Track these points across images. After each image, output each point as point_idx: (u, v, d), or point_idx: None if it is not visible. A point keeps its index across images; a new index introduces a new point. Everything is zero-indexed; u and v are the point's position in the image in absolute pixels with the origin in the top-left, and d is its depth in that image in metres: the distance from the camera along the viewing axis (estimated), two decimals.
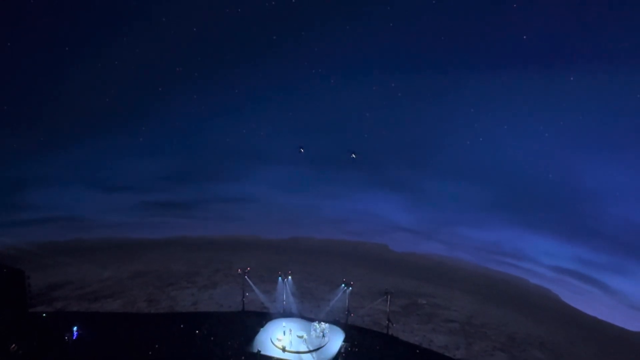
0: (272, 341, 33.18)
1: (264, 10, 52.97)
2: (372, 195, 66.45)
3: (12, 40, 50.41)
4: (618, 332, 57.62)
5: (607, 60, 52.91)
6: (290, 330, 34.43)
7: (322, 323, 35.34)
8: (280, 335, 33.92)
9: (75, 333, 32.03)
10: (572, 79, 56.14)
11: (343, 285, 39.69)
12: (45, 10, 52.34)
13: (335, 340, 34.39)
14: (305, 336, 33.98)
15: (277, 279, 41.78)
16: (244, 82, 59.85)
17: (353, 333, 36.03)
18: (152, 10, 53.96)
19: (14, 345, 27.65)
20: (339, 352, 32.91)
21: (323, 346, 33.84)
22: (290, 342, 33.30)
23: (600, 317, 60.86)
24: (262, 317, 37.40)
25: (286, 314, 38.88)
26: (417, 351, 37.67)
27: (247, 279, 40.44)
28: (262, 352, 31.42)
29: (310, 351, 32.75)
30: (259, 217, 65.26)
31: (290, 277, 41.60)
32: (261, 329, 35.53)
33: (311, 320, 36.88)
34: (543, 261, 67.70)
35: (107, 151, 62.53)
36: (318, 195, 65.02)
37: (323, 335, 34.47)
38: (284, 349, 32.31)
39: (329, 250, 65.59)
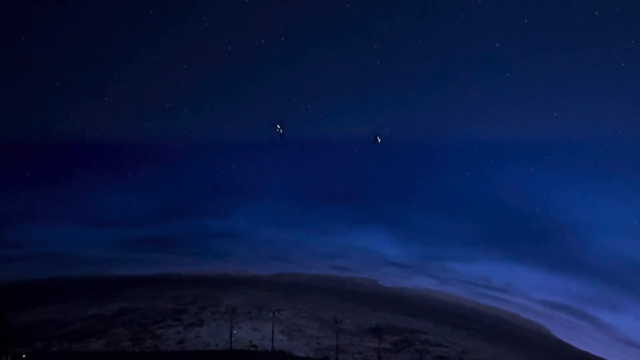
0: None
1: (254, 48, 54.64)
2: (361, 229, 66.67)
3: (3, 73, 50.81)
4: None
5: (590, 96, 55.34)
6: None
7: None
8: None
9: None
10: (555, 114, 58.44)
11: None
12: (39, 42, 53.28)
13: None
14: None
15: (266, 315, 41.19)
16: (233, 118, 60.78)
17: None
18: (143, 47, 55.31)
19: None
20: None
21: None
22: None
23: (592, 351, 60.51)
24: (251, 356, 36.53)
25: (275, 353, 38.09)
26: None
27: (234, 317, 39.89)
28: None
29: None
30: (247, 252, 64.73)
31: (279, 313, 41.08)
32: None
33: (301, 358, 36.20)
34: (533, 295, 67.84)
35: (92, 186, 62.15)
36: (307, 230, 65.02)
37: None
38: None
39: (318, 286, 64.84)
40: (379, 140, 47.92)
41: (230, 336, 39.32)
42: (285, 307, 49.66)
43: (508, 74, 56.18)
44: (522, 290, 67.83)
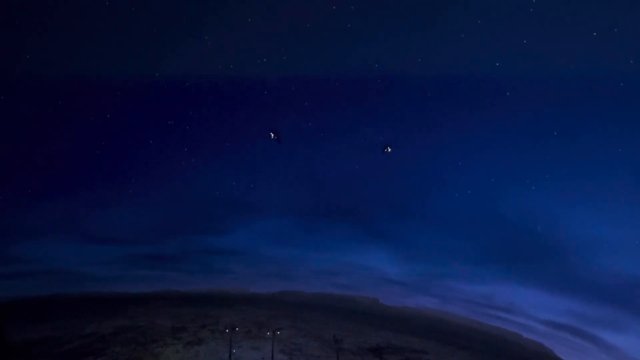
0: None
1: (255, 66, 55.55)
2: (362, 247, 66.46)
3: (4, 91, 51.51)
4: None
5: (592, 114, 55.83)
6: None
7: None
8: None
9: None
10: (555, 133, 58.80)
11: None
12: (42, 62, 54.05)
13: None
14: None
15: (266, 334, 40.81)
16: (234, 135, 61.27)
17: None
18: (145, 65, 56.06)
19: None
20: None
21: None
22: None
23: None
24: None
25: None
26: None
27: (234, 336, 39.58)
28: None
29: None
30: (247, 269, 64.36)
31: (279, 332, 40.71)
32: None
33: None
34: (536, 315, 67.07)
35: (92, 203, 62.24)
36: (307, 248, 64.77)
37: None
38: None
39: (319, 304, 64.25)
40: (389, 150, 48.10)
41: (230, 355, 38.87)
42: (285, 325, 49.16)
43: (508, 93, 56.81)
44: (525, 310, 67.16)
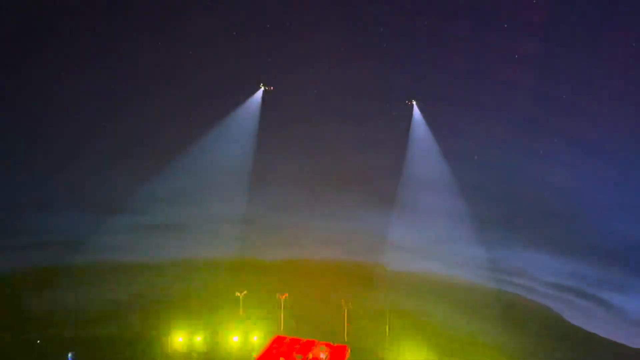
0: None
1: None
2: (368, 213, 66.41)
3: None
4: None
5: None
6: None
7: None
8: None
9: (70, 359, 31.78)
10: (564, 96, 57.00)
11: None
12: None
13: None
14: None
15: (274, 300, 41.77)
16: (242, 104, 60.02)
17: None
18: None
19: None
20: None
21: None
22: None
23: (600, 333, 60.54)
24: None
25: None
26: None
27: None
28: None
29: None
30: (256, 237, 64.99)
31: (287, 298, 41.68)
32: None
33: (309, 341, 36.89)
34: (543, 278, 67.28)
35: (102, 173, 62.43)
36: (314, 215, 64.87)
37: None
38: None
39: (326, 271, 65.20)
40: (414, 102, 49.12)
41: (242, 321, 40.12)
42: (294, 292, 50.18)
43: (516, 56, 54.69)
44: (532, 274, 67.33)
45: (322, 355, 36.21)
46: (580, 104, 57.07)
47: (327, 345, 38.45)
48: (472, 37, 55.86)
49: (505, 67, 56.42)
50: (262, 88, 49.31)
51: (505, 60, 56.38)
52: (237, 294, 41.70)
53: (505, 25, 55.35)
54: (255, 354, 38.57)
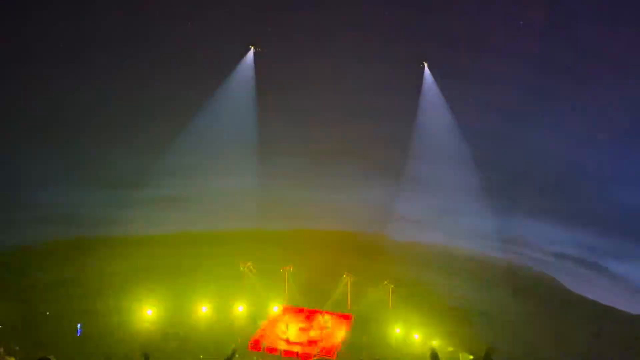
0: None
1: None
2: (370, 185, 66.15)
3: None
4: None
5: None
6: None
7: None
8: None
9: (79, 330, 32.41)
10: (568, 67, 55.49)
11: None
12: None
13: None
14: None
15: (279, 271, 42.15)
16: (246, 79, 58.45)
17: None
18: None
19: (17, 347, 27.82)
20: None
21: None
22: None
23: (601, 300, 61.21)
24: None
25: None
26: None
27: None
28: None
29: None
30: (260, 208, 65.07)
31: (291, 269, 42.03)
32: None
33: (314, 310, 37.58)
34: (544, 247, 67.59)
35: (106, 147, 62.14)
36: (317, 186, 64.65)
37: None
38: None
39: (330, 242, 65.58)
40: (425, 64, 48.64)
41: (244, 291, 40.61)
42: (298, 263, 50.62)
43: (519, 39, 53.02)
44: (533, 242, 67.53)
45: (326, 325, 36.87)
46: (584, 72, 55.62)
47: (331, 314, 39.11)
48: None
49: (511, 34, 54.85)
50: (253, 50, 47.20)
51: (509, 27, 54.72)
52: (242, 267, 41.94)
53: None
54: (261, 323, 39.33)
